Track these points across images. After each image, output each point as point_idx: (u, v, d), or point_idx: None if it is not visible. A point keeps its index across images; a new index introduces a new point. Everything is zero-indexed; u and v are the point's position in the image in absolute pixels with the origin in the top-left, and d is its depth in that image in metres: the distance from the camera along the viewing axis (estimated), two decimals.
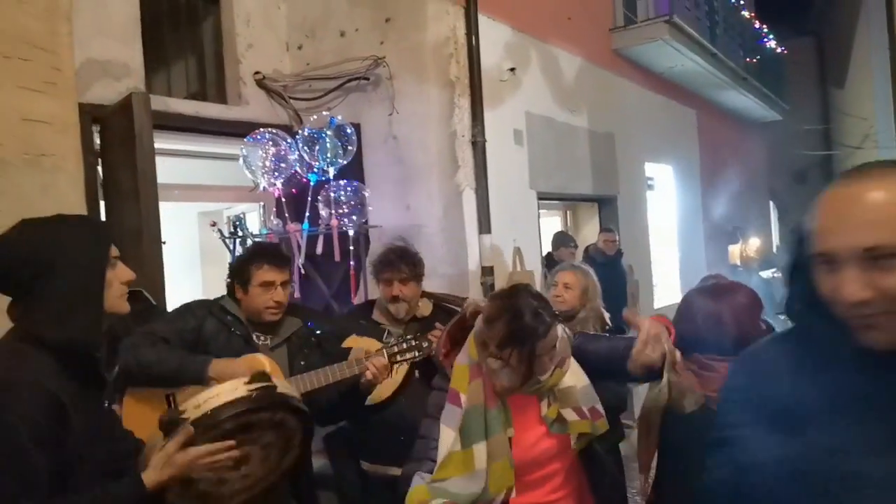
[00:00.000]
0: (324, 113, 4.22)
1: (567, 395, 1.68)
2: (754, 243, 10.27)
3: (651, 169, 7.36)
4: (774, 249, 11.33)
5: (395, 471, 2.54)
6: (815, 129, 10.98)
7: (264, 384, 1.59)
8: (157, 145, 3.50)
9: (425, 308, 2.68)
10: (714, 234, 8.86)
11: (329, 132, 4.02)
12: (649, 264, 7.04)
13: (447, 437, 1.66)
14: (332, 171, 4.06)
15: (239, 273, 2.32)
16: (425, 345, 2.33)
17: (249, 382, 1.57)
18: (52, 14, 2.86)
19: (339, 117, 4.15)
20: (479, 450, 1.62)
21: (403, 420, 2.50)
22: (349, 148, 4.09)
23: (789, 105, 10.47)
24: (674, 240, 7.91)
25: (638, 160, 7.00)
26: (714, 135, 9.16)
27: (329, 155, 3.99)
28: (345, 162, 4.08)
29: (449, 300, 2.90)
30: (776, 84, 10.30)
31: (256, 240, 4.25)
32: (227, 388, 1.56)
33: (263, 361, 2.20)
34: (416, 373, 2.55)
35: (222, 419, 1.49)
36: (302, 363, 2.31)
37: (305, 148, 4.01)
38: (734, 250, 9.83)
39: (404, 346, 2.32)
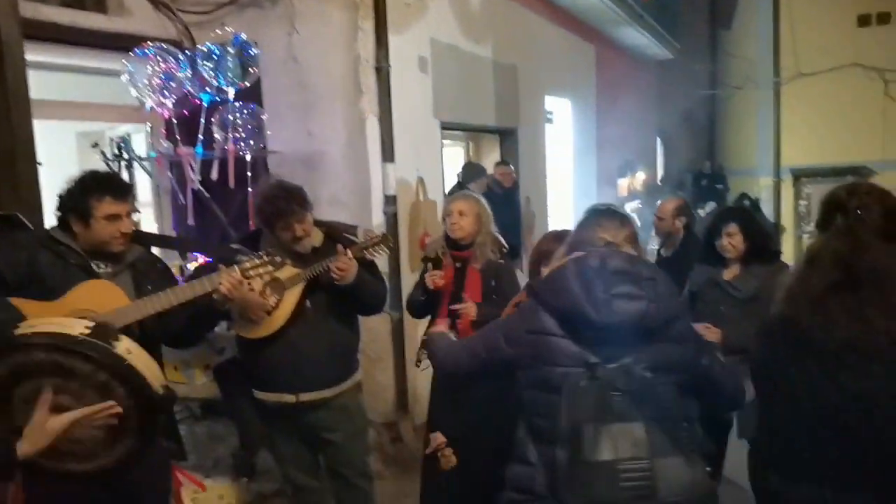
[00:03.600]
0: (226, 28, 3.94)
1: None
2: (640, 177, 10.83)
3: (551, 102, 7.49)
4: (659, 183, 11.99)
5: (289, 398, 2.59)
6: (702, 70, 11.51)
7: (101, 342, 1.54)
8: (28, 57, 3.17)
9: (317, 238, 2.65)
10: (605, 167, 9.24)
11: (232, 50, 3.77)
12: (545, 196, 7.28)
13: None
14: (231, 93, 3.82)
15: (76, 206, 2.20)
16: (278, 259, 2.32)
17: (91, 328, 1.54)
18: None
19: (244, 35, 3.90)
20: None
21: (295, 350, 2.53)
22: (252, 70, 3.85)
23: (681, 45, 10.88)
24: (569, 172, 8.19)
25: (538, 93, 7.10)
26: (610, 71, 9.41)
27: (230, 75, 3.74)
28: (247, 84, 3.86)
29: (340, 228, 2.88)
30: (670, 23, 10.64)
31: (147, 165, 4.01)
32: (66, 322, 1.53)
33: (106, 285, 2.16)
34: (308, 302, 2.56)
35: (34, 343, 1.50)
36: (150, 288, 2.26)
37: (205, 65, 3.75)
38: (623, 183, 10.33)
39: (256, 261, 2.29)
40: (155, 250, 2.85)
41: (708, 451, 1.79)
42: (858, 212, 1.77)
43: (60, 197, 2.28)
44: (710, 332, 2.98)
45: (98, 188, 2.21)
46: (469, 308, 2.85)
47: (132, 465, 1.74)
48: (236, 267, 2.27)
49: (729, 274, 3.08)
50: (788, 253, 9.12)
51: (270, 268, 2.31)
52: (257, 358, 2.59)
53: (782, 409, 1.66)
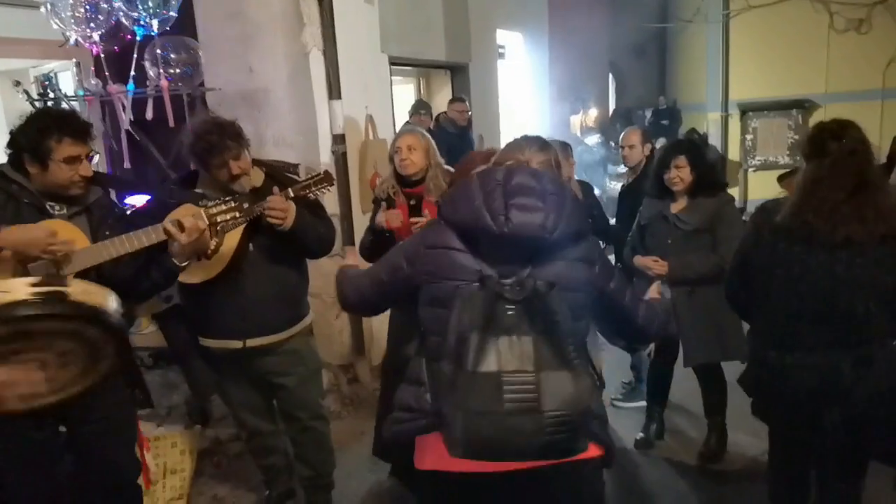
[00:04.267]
0: None
1: None
2: (593, 114, 10.84)
3: (502, 36, 7.33)
4: (609, 119, 12.02)
5: (237, 344, 2.53)
6: (653, 2, 11.39)
7: (52, 289, 1.48)
8: None
9: (257, 178, 2.54)
10: (558, 104, 9.18)
11: None
12: (498, 134, 7.20)
13: None
14: (156, 25, 3.57)
15: (32, 147, 2.07)
16: (246, 205, 2.23)
17: (37, 284, 1.47)
18: None
19: None
20: None
21: (240, 294, 2.45)
22: None
23: None
24: (522, 109, 8.10)
25: (490, 27, 6.92)
26: (562, 3, 9.23)
27: (152, 4, 3.49)
28: (171, 14, 3.60)
29: (281, 167, 2.77)
30: None
31: (76, 104, 3.78)
32: (9, 286, 1.46)
33: (63, 225, 2.06)
34: (251, 245, 2.47)
35: None
36: (107, 233, 2.16)
37: None
38: (575, 120, 10.32)
39: (223, 206, 2.20)
40: None
41: None
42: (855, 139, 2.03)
43: (13, 134, 2.13)
44: (657, 266, 3.04)
45: (57, 129, 2.07)
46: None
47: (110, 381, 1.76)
48: (202, 211, 2.16)
49: (676, 207, 3.11)
50: (737, 186, 9.34)
51: (238, 213, 2.21)
52: (200, 304, 2.51)
53: (783, 297, 2.06)
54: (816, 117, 9.61)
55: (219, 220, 2.19)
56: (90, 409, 2.19)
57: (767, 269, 2.09)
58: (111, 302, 1.68)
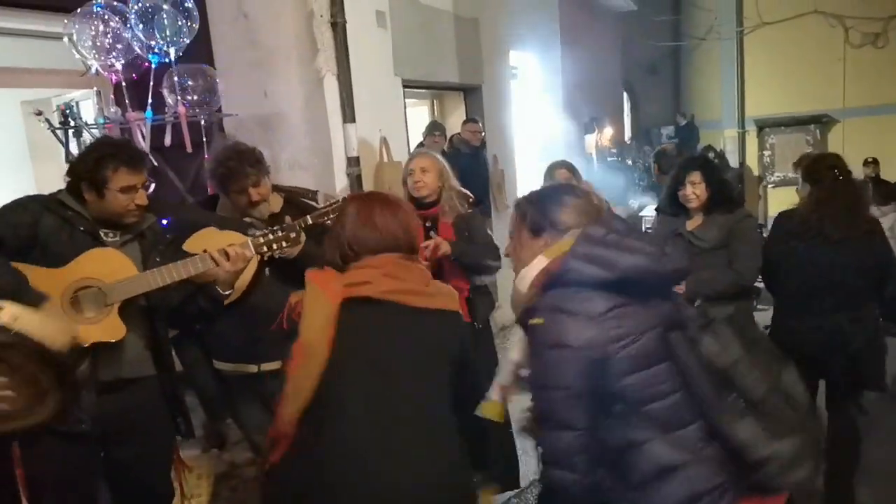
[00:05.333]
0: None
1: None
2: (608, 133, 10.82)
3: (515, 57, 7.38)
4: (627, 140, 12.00)
5: (252, 368, 2.54)
6: (665, 21, 11.42)
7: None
8: None
9: (275, 203, 2.56)
10: (572, 124, 9.19)
11: (166, 6, 3.58)
12: (513, 154, 7.22)
13: None
14: (173, 53, 3.65)
15: (90, 176, 2.10)
16: (293, 235, 2.24)
17: None
18: None
19: None
20: None
21: (254, 319, 2.45)
22: (191, 26, 3.67)
23: None
24: (537, 129, 8.12)
25: (502, 48, 6.97)
26: (574, 24, 9.29)
27: (168, 33, 3.56)
28: (187, 41, 3.68)
29: (299, 193, 2.79)
30: None
31: (96, 132, 3.85)
32: None
33: (112, 254, 2.11)
34: (267, 270, 2.48)
35: None
36: (157, 259, 2.19)
37: (141, 25, 3.57)
38: (590, 140, 10.30)
39: (270, 236, 2.22)
40: None
41: None
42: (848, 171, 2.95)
43: (72, 164, 2.20)
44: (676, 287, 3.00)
45: (113, 159, 2.10)
46: (439, 243, 2.77)
47: (67, 415, 1.72)
48: (249, 241, 2.19)
49: (691, 224, 3.08)
50: (753, 202, 9.25)
51: (285, 243, 2.23)
52: (215, 328, 2.52)
53: (794, 278, 2.88)
54: (835, 132, 9.54)
55: (265, 249, 2.21)
56: (130, 433, 2.22)
57: (786, 260, 2.86)
58: (56, 332, 1.63)
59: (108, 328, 2.09)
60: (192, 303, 2.28)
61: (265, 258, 2.26)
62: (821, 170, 2.93)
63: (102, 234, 2.17)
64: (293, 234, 2.24)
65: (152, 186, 2.64)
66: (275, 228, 2.24)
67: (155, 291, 2.13)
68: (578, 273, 1.48)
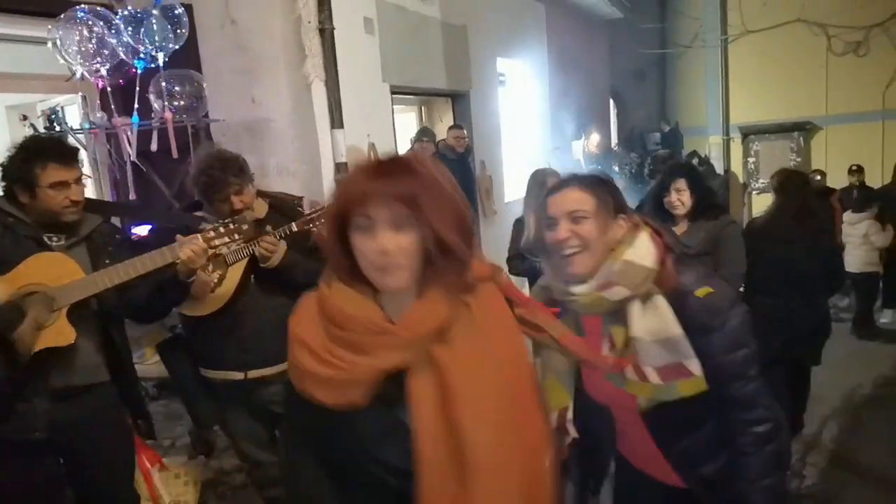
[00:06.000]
0: None
1: (630, 347, 1.48)
2: (595, 139, 10.87)
3: (502, 64, 7.41)
4: (613, 146, 12.06)
5: (238, 375, 2.52)
6: (652, 28, 11.51)
7: None
8: None
9: (260, 209, 2.54)
10: (559, 130, 9.23)
11: (155, 12, 3.58)
12: (501, 160, 7.24)
13: None
14: (161, 58, 3.64)
15: (20, 176, 2.08)
16: (244, 227, 2.20)
17: None
18: None
19: None
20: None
21: (241, 327, 2.45)
22: (179, 31, 3.67)
23: (629, 3, 10.86)
24: (523, 135, 8.15)
25: (490, 55, 7.01)
26: (561, 31, 9.34)
27: (157, 39, 3.55)
28: (175, 47, 3.67)
29: (284, 199, 2.78)
30: None
31: (81, 137, 3.82)
32: None
33: (58, 258, 2.07)
34: (253, 278, 2.47)
35: None
36: (107, 262, 2.15)
37: (129, 30, 3.56)
38: (577, 146, 10.34)
39: (221, 229, 2.18)
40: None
41: None
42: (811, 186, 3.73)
43: (2, 166, 2.15)
44: None
45: (40, 155, 2.08)
46: None
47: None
48: (199, 235, 2.16)
49: (677, 231, 3.11)
50: (738, 208, 9.34)
51: (236, 235, 2.19)
52: (202, 335, 2.51)
53: (762, 265, 3.35)
54: (818, 139, 9.65)
55: (216, 243, 2.17)
56: (86, 441, 2.19)
57: (752, 253, 3.22)
58: None
59: (56, 333, 2.04)
60: (160, 297, 2.25)
61: (217, 252, 2.23)
62: (787, 184, 3.61)
63: (46, 239, 2.13)
64: (245, 227, 2.20)
65: (88, 182, 2.61)
66: (225, 221, 2.21)
67: (108, 293, 2.10)
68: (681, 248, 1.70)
